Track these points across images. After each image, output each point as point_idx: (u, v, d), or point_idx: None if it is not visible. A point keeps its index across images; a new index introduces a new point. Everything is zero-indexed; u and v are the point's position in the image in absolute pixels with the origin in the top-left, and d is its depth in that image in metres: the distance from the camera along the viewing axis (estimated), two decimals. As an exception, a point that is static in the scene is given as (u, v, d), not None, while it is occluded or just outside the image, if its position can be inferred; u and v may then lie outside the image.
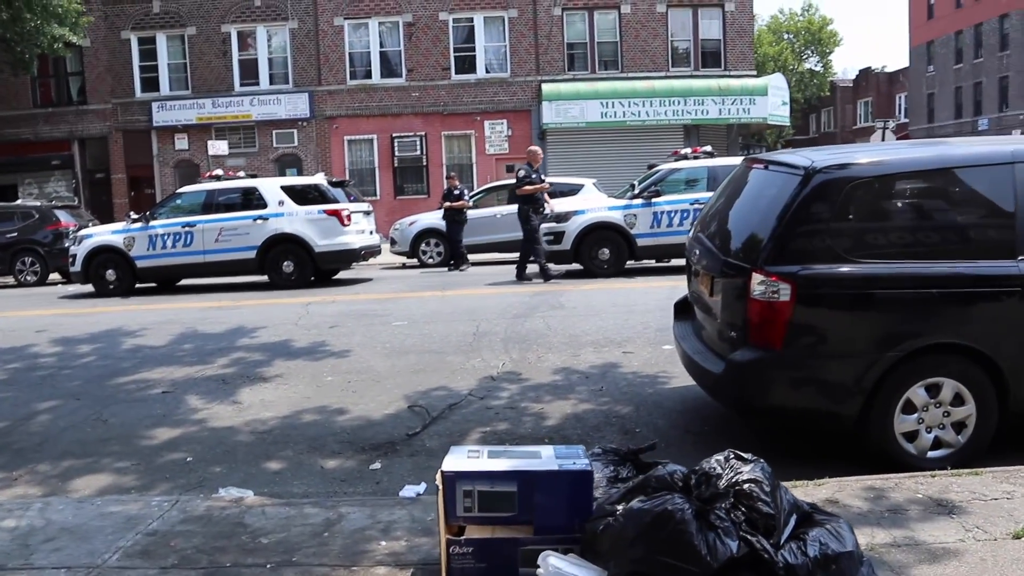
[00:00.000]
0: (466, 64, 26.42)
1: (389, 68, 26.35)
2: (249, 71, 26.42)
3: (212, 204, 13.98)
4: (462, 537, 3.09)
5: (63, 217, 18.13)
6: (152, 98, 26.41)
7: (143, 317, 11.00)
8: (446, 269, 16.13)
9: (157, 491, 4.63)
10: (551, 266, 13.19)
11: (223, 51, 26.28)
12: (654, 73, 25.85)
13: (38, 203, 19.23)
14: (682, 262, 14.19)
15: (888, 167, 4.66)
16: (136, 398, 6.63)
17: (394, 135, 26.19)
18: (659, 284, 12.13)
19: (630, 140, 25.25)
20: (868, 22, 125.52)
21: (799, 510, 3.21)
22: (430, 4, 26.07)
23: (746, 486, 3.05)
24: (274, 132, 26.38)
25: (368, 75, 26.36)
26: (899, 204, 4.72)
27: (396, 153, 26.30)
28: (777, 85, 26.15)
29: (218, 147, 23.32)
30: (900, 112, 58.32)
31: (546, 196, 13.39)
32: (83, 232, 14.90)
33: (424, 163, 26.02)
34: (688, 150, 14.36)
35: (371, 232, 14.78)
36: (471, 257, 17.39)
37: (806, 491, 4.05)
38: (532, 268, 13.33)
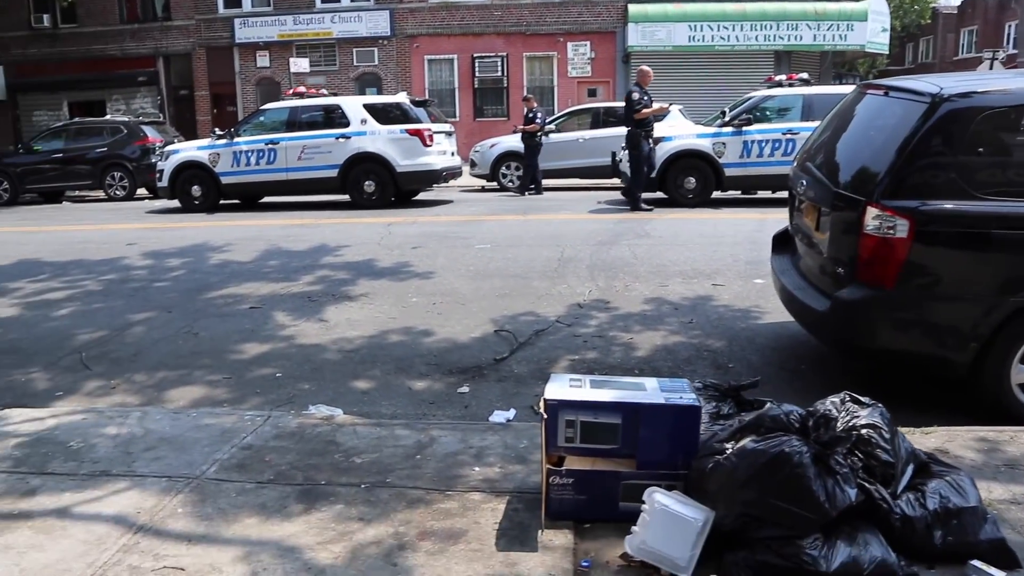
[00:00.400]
0: (550, -18, 25.62)
1: (472, -15, 25.76)
2: (331, -13, 26.18)
3: (295, 122, 13.97)
4: (563, 468, 2.99)
5: (150, 133, 18.45)
6: (235, 14, 26.43)
7: (228, 233, 11.16)
8: (517, 194, 15.83)
9: (248, 405, 4.67)
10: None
11: (305, -35, 26.07)
12: (746, -6, 24.66)
13: (126, 119, 19.59)
14: (770, 195, 13.80)
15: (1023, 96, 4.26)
16: (225, 312, 6.71)
17: (475, 55, 25.71)
18: (746, 216, 11.74)
19: (717, 66, 24.24)
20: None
21: (916, 459, 3.03)
22: (515, -82, 25.21)
23: (864, 431, 2.89)
24: (354, 50, 26.19)
25: (450, -8, 25.85)
26: (1034, 137, 4.33)
27: (476, 74, 25.86)
28: (877, 10, 24.60)
29: (299, 64, 23.29)
30: (1008, 42, 54.70)
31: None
32: (169, 148, 15.12)
33: (505, 84, 25.54)
34: (783, 77, 13.65)
35: (452, 153, 14.62)
36: (552, 182, 17.17)
37: (912, 439, 3.85)
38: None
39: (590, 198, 15.04)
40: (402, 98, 14.27)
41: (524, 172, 15.99)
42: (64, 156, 18.43)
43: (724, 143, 12.68)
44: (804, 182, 5.00)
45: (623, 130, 15.97)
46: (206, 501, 3.18)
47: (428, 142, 13.48)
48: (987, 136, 4.14)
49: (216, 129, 14.96)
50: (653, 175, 12.64)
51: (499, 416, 4.46)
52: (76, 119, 21.53)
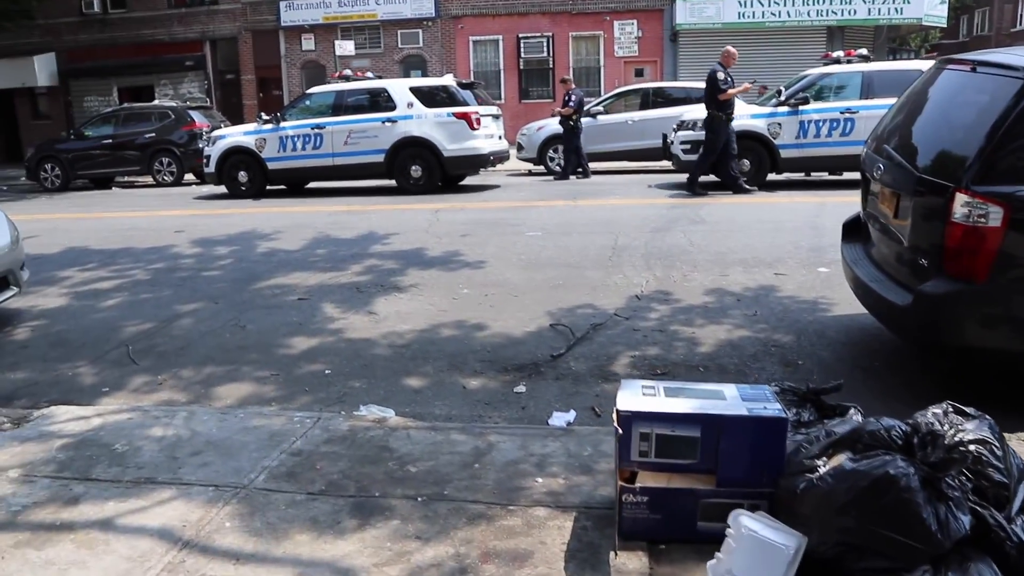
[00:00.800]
0: (597, -41, 25.13)
1: (517, -36, 25.37)
2: (375, -33, 25.99)
3: (341, 105, 13.83)
4: (636, 485, 2.75)
5: (197, 118, 18.51)
6: (280, -3, 26.44)
7: (275, 220, 11.07)
8: (561, 178, 15.46)
9: (297, 404, 4.51)
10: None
11: (349, -53, 25.90)
12: (798, -32, 23.90)
13: (174, 104, 19.67)
14: (827, 177, 13.32)
15: None
16: (273, 304, 6.58)
17: (520, 36, 25.35)
18: (804, 200, 11.33)
19: (768, 43, 23.56)
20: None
21: (1030, 477, 2.73)
22: None
23: (972, 447, 2.59)
24: (399, 32, 26.01)
25: (495, -28, 25.51)
26: None
27: (522, 55, 25.50)
28: (936, -19, 23.72)
29: (345, 47, 23.18)
30: (1069, 12, 52.54)
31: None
32: (216, 133, 15.10)
33: (551, 65, 25.14)
34: (841, 53, 13.14)
35: (500, 137, 14.37)
36: (600, 165, 16.82)
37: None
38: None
39: (640, 181, 14.69)
40: (449, 80, 14.04)
41: (565, 156, 15.60)
42: (113, 142, 18.57)
43: (780, 123, 12.23)
44: (881, 166, 4.66)
45: (674, 111, 15.73)
46: (255, 514, 3.01)
47: (475, 125, 13.24)
48: (1091, 116, 3.78)
49: (262, 114, 14.89)
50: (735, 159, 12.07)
51: (559, 418, 4.24)
52: (125, 104, 21.69)
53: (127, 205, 14.88)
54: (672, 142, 13.45)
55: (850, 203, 10.68)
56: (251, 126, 14.85)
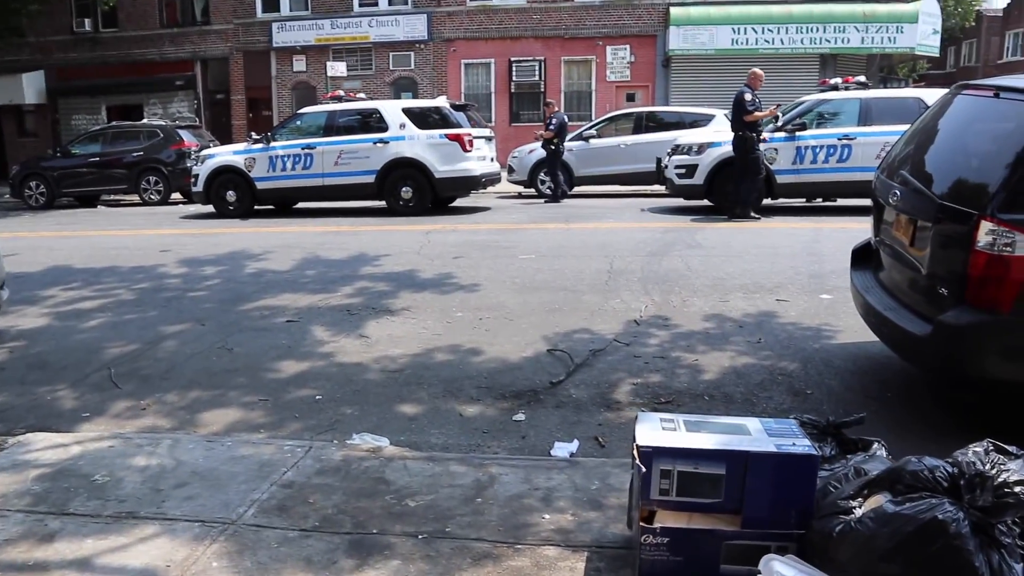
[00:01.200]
0: (590, -16, 25.20)
1: (510, -12, 25.42)
2: (368, -9, 25.98)
3: (332, 126, 13.68)
4: (657, 525, 2.57)
5: (186, 137, 18.30)
6: (272, 18, 26.34)
7: (264, 240, 10.87)
8: (544, 201, 15.35)
9: (287, 431, 4.30)
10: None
11: (343, -31, 25.89)
12: (791, -4, 24.05)
13: (162, 123, 19.49)
14: (820, 203, 13.25)
15: None
16: (261, 326, 6.37)
17: (512, 59, 25.34)
18: (799, 225, 11.24)
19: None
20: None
21: (1074, 519, 2.56)
22: (554, -79, 24.85)
23: (1018, 489, 2.42)
24: (391, 54, 25.96)
25: (488, -4, 25.53)
26: None
27: (514, 78, 25.48)
28: (929, 11, 23.82)
29: (336, 68, 23.09)
30: (1054, 45, 53.27)
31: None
32: (205, 152, 14.93)
33: (542, 89, 25.08)
34: (838, 80, 13.11)
35: (492, 159, 14.25)
36: (592, 189, 16.79)
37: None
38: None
39: (633, 205, 14.59)
40: (442, 102, 13.94)
41: (552, 179, 15.51)
42: (100, 160, 18.34)
43: (776, 149, 12.15)
44: (897, 192, 4.52)
45: (667, 135, 15.67)
46: (244, 553, 2.80)
47: (468, 147, 13.12)
48: (1117, 140, 3.66)
49: (252, 133, 14.74)
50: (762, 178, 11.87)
51: (561, 449, 4.05)
52: (113, 123, 21.47)
53: (113, 223, 14.64)
54: (666, 166, 13.35)
55: (847, 229, 10.67)
56: (241, 145, 14.69)
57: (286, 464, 3.55)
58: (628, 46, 25.02)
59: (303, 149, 13.58)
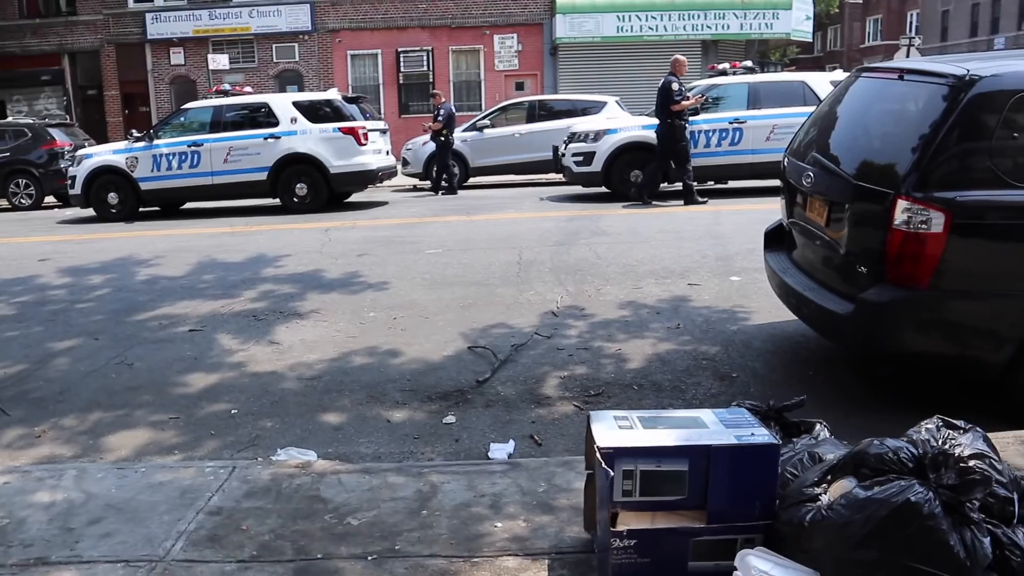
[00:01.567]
0: (476, -27, 25.03)
1: (395, -24, 24.96)
2: (249, -21, 24.99)
3: (220, 122, 13.06)
4: (623, 528, 2.48)
5: (58, 136, 17.09)
6: (145, 8, 24.97)
7: (153, 244, 10.28)
8: (441, 194, 15.18)
9: (205, 451, 4.02)
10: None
11: (219, -43, 24.83)
12: (674, -15, 24.52)
13: (30, 121, 18.19)
14: (714, 186, 13.54)
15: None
16: (161, 337, 5.98)
17: (399, 50, 24.92)
18: (699, 209, 11.43)
19: (646, 56, 24.04)
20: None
21: (1019, 486, 2.62)
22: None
23: (972, 463, 2.43)
24: (274, 46, 25.09)
25: (373, -15, 24.99)
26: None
27: (401, 69, 25.07)
28: (801, -2, 24.84)
29: (219, 61, 22.15)
30: (911, 30, 56.51)
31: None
32: (82, 152, 14.01)
33: (431, 79, 24.79)
34: (727, 65, 13.41)
35: (387, 152, 13.94)
36: (488, 179, 16.73)
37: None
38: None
39: (531, 195, 14.59)
40: (333, 95, 13.51)
41: (448, 171, 15.33)
42: (-40, 163, 16.97)
43: (671, 134, 12.30)
44: (811, 175, 4.59)
45: (561, 123, 15.72)
46: (176, 593, 2.57)
47: (363, 141, 12.78)
48: (1023, 119, 3.80)
49: (133, 131, 13.91)
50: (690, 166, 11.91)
51: (498, 450, 3.93)
52: (-28, 123, 19.93)
53: (-21, 232, 13.59)
54: (564, 154, 13.38)
55: (743, 211, 10.95)
56: (121, 144, 13.86)
57: (210, 488, 3.30)
58: (515, 35, 25.01)
59: (189, 147, 12.93)
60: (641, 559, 2.50)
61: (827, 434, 3.13)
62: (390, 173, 13.95)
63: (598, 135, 12.71)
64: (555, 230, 9.93)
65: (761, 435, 2.58)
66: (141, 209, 13.48)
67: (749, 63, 13.40)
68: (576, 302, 6.50)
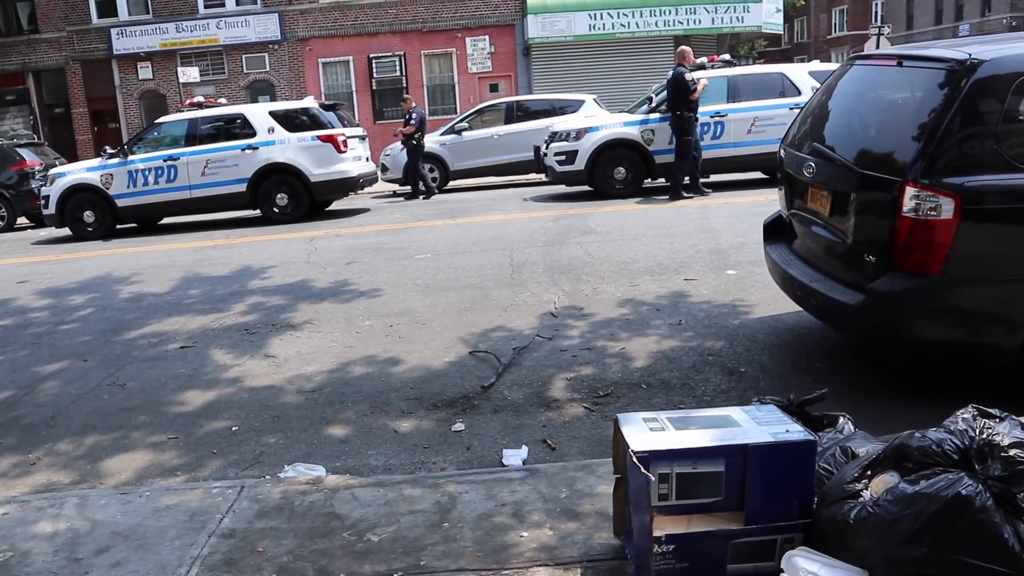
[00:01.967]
0: (445, -24, 24.91)
1: (363, -17, 24.78)
2: (213, -10, 24.71)
3: (195, 135, 12.85)
4: (661, 533, 2.40)
5: (27, 156, 16.80)
6: (110, 24, 24.58)
7: (134, 261, 10.09)
8: (421, 199, 15.07)
9: (209, 471, 3.89)
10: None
11: (183, -31, 24.51)
12: (644, -19, 24.54)
13: (-2, 142, 17.86)
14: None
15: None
16: (152, 356, 5.83)
17: (371, 56, 24.75)
18: (686, 204, 11.40)
19: (619, 54, 24.09)
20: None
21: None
22: (405, -88, 24.39)
23: (1013, 452, 2.38)
24: (244, 57, 24.80)
25: (341, -9, 24.80)
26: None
27: (374, 75, 24.88)
28: (771, -9, 24.95)
29: (188, 74, 21.86)
30: (876, 19, 57.07)
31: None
32: (54, 171, 13.75)
33: (404, 84, 24.63)
34: (705, 59, 13.39)
35: (367, 159, 13.80)
36: (469, 181, 16.66)
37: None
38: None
39: (514, 196, 14.50)
40: (310, 103, 13.34)
41: (420, 175, 15.22)
42: (-73, 187, 16.59)
43: (653, 130, 12.29)
44: (812, 164, 4.54)
45: (539, 123, 15.66)
46: (197, 622, 2.45)
47: (342, 148, 12.62)
48: (1028, 102, 3.77)
49: (107, 147, 13.64)
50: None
51: (512, 457, 3.84)
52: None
53: (-48, 256, 13.29)
54: (546, 154, 13.30)
55: (730, 204, 10.93)
56: (94, 161, 13.59)
57: (220, 510, 3.18)
58: (487, 36, 24.93)
59: (165, 161, 12.71)
60: (680, 564, 2.42)
61: (851, 427, 3.06)
62: (371, 180, 13.80)
63: (580, 133, 12.65)
64: (543, 230, 9.85)
65: (796, 432, 2.51)
66: (118, 226, 13.25)
67: (727, 56, 13.39)
68: (574, 302, 6.43)
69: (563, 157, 12.74)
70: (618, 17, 23.78)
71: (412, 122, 14.87)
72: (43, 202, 13.27)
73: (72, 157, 20.80)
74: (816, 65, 14.08)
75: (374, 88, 25.08)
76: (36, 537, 3.06)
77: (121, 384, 5.22)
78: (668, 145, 12.26)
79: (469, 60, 25.08)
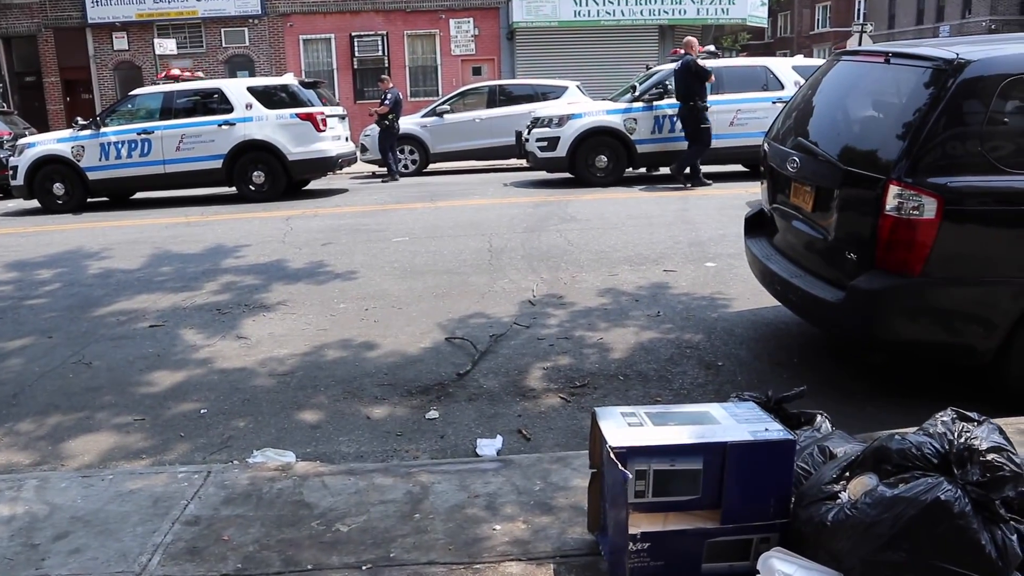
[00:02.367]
0: (430, -44, 24.64)
1: (347, -41, 24.44)
2: (192, -40, 24.23)
3: (171, 108, 12.60)
4: (636, 531, 2.35)
5: (-4, 125, 16.46)
6: (84, -9, 24.13)
7: (104, 236, 9.89)
8: (381, 180, 14.97)
9: (175, 455, 3.80)
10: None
11: (162, -64, 24.01)
12: (631, -31, 24.41)
13: (-34, 110, 17.45)
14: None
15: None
16: (120, 334, 5.70)
17: (353, 34, 24.44)
18: (666, 194, 11.38)
19: (603, 41, 23.98)
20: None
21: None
22: None
23: (991, 456, 2.35)
24: (223, 30, 24.40)
25: (324, -34, 24.44)
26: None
27: (356, 54, 24.59)
28: (756, -16, 24.91)
29: (165, 46, 21.45)
30: (859, 17, 57.28)
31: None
32: (24, 141, 13.43)
33: (386, 64, 24.36)
34: (688, 49, 13.31)
35: (346, 138, 13.62)
36: (450, 165, 16.53)
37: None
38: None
39: (495, 180, 14.40)
40: (290, 79, 13.13)
41: (386, 156, 15.13)
42: None
43: (635, 119, 12.24)
44: (796, 159, 4.50)
45: (522, 108, 15.55)
46: (157, 613, 2.38)
47: (321, 127, 12.44)
48: (1014, 104, 3.75)
49: (79, 118, 13.36)
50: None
51: (486, 446, 3.79)
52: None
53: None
54: (527, 139, 13.21)
55: (711, 196, 10.92)
56: (65, 132, 13.30)
57: (185, 495, 3.10)
58: (471, 19, 24.71)
59: (139, 134, 12.46)
60: (655, 562, 2.38)
61: (829, 426, 3.04)
62: (349, 160, 13.64)
63: (562, 120, 12.57)
64: (523, 216, 9.77)
65: (776, 430, 2.47)
66: (89, 200, 12.99)
67: (712, 48, 13.32)
68: (552, 290, 6.37)
69: (545, 143, 12.65)
70: (604, 4, 23.66)
71: (387, 102, 14.73)
72: (11, 172, 12.97)
73: (43, 127, 20.41)
74: (800, 60, 14.08)
75: (355, 67, 24.80)
76: (-8, 520, 2.96)
77: (87, 363, 5.10)
78: (651, 135, 12.25)
79: (452, 42, 24.86)
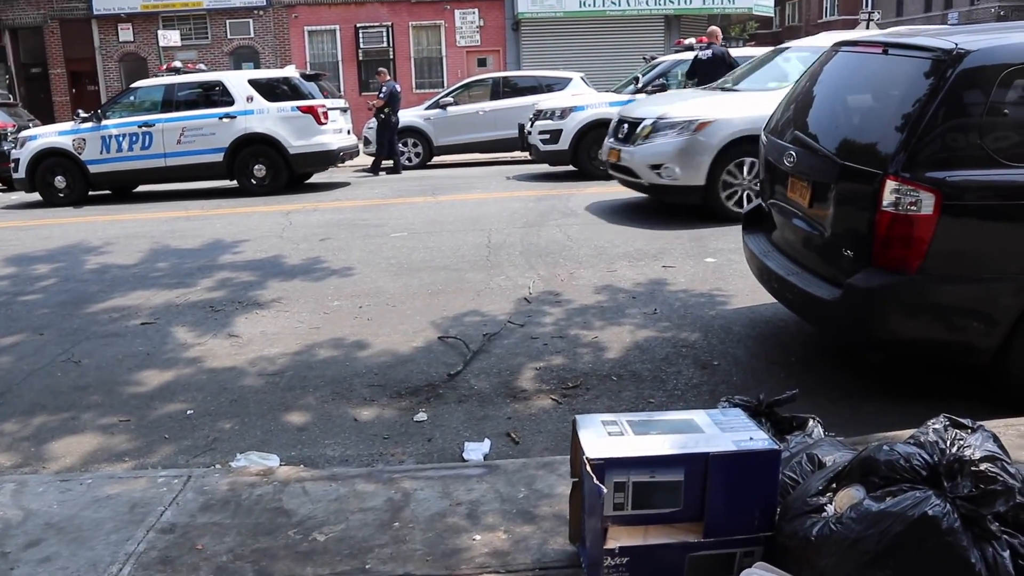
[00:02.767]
0: (435, -54, 24.50)
1: (351, -49, 24.31)
2: (198, -49, 24.14)
3: (172, 101, 12.54)
4: (615, 545, 2.28)
5: (1, 117, 16.45)
6: (90, -18, 24.08)
7: (104, 230, 9.85)
8: (384, 173, 14.91)
9: (158, 457, 3.75)
10: None
11: (168, -72, 23.93)
12: (637, -42, 24.22)
13: (-30, 102, 17.44)
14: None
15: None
16: (111, 331, 5.65)
17: (358, 25, 24.34)
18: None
19: (608, 32, 23.83)
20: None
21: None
22: None
23: (984, 467, 2.27)
24: (228, 22, 24.32)
25: (329, -42, 24.32)
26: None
27: (361, 45, 24.49)
28: (763, -28, 24.70)
29: (169, 37, 21.39)
30: (867, 5, 56.84)
31: None
32: (26, 133, 13.41)
33: (391, 56, 24.27)
34: (693, 40, 13.18)
35: (348, 131, 13.55)
36: (453, 157, 16.45)
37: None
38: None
39: (497, 173, 14.30)
40: (291, 72, 13.07)
41: (382, 148, 15.05)
42: None
43: (639, 110, 12.08)
44: (793, 154, 4.40)
45: (526, 100, 15.42)
46: (124, 627, 2.32)
47: (323, 120, 12.37)
48: (1014, 95, 3.64)
49: (80, 111, 13.32)
50: None
51: (474, 451, 3.72)
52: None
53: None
54: (530, 132, 13.10)
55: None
56: (67, 125, 13.27)
57: (163, 501, 3.04)
58: (476, 10, 24.57)
59: (140, 127, 12.41)
60: (634, 577, 2.31)
61: (821, 430, 2.97)
62: (351, 153, 13.56)
63: (565, 112, 12.45)
64: (524, 211, 9.69)
65: (760, 440, 2.39)
66: (90, 193, 12.95)
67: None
68: (549, 287, 6.29)
69: (547, 136, 12.54)
70: (609, -6, 23.51)
71: (383, 95, 14.67)
72: (13, 165, 12.95)
73: (49, 119, 20.39)
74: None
75: (360, 59, 24.71)
76: (-35, 527, 2.91)
77: (76, 361, 5.05)
78: (655, 126, 12.07)
79: (457, 33, 24.74)
